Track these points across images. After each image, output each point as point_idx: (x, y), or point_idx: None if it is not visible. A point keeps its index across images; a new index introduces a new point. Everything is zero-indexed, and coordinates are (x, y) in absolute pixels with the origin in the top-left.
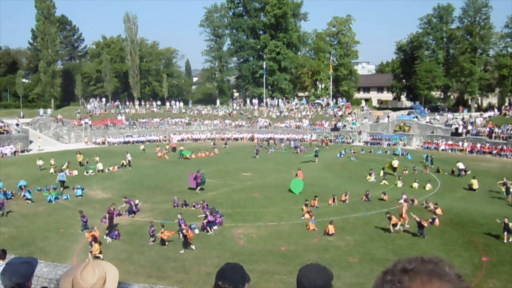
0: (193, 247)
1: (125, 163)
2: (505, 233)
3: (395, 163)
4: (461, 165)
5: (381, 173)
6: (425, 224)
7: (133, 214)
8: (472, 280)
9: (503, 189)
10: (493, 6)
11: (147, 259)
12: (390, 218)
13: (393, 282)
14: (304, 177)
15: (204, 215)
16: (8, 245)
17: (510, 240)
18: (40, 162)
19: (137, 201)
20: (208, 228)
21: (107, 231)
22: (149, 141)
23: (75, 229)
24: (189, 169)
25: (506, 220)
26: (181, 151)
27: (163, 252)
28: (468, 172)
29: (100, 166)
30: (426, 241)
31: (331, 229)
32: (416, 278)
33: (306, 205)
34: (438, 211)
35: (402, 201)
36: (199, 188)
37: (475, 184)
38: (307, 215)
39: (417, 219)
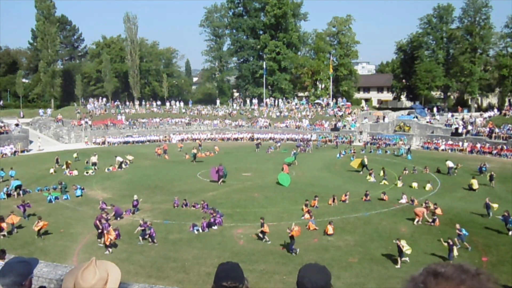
0: (110, 250)
1: (117, 166)
2: (399, 257)
3: (366, 160)
4: (450, 163)
5: (381, 173)
6: (294, 238)
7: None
8: None
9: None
10: (493, 6)
11: (147, 259)
12: (398, 246)
13: (417, 282)
14: (304, 177)
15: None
16: (8, 245)
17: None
18: (75, 155)
19: (135, 197)
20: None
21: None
22: (149, 141)
23: (75, 229)
24: (189, 169)
25: (398, 242)
26: (194, 154)
27: (163, 252)
28: (460, 166)
29: (93, 159)
30: (426, 241)
31: (330, 229)
32: (443, 283)
33: (306, 205)
34: (438, 211)
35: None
36: (221, 181)
37: (475, 184)
38: (307, 215)
39: (289, 231)
